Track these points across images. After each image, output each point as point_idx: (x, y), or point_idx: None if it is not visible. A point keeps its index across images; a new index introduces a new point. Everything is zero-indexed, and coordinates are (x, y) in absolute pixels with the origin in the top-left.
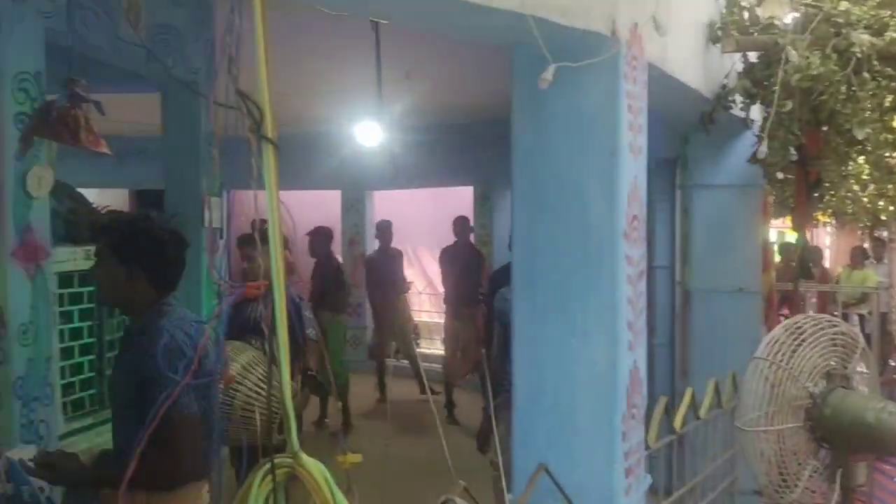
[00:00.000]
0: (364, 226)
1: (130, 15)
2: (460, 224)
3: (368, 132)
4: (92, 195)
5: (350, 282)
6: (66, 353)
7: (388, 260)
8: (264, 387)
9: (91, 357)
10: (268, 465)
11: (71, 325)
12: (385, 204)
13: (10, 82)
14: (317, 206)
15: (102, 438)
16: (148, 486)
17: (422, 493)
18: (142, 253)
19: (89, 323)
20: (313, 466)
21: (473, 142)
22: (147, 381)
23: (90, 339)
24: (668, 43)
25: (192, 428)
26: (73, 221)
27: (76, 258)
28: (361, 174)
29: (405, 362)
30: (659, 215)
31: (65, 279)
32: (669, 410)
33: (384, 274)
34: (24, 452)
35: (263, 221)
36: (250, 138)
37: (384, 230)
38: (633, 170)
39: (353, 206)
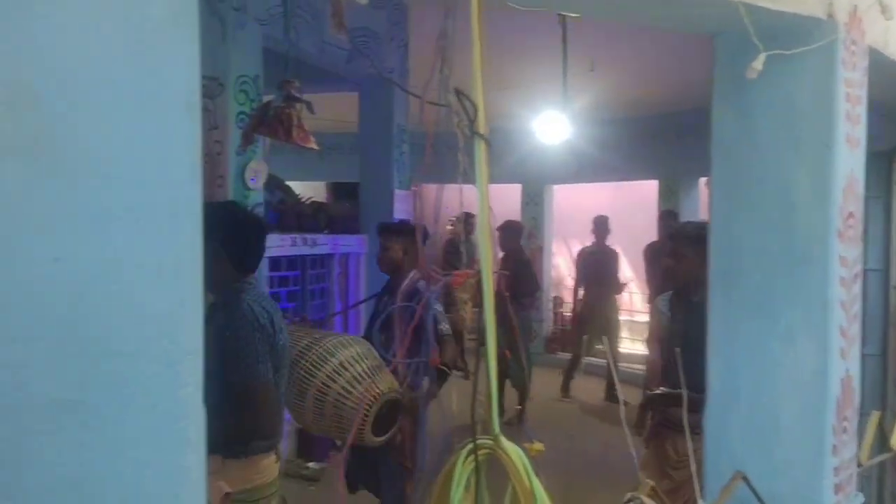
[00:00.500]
0: (543, 219)
1: (336, 19)
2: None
3: (551, 126)
4: (295, 187)
5: (537, 275)
6: None
7: (602, 256)
8: (356, 385)
9: None
10: (471, 445)
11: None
12: (564, 198)
13: (233, 85)
14: (497, 200)
15: None
16: (224, 452)
17: (602, 490)
18: (225, 237)
19: (294, 304)
20: (512, 450)
21: (658, 135)
22: (227, 351)
23: (295, 319)
24: (890, 26)
25: (268, 395)
26: (283, 211)
27: (284, 244)
28: (543, 168)
29: (596, 360)
30: (872, 213)
31: (274, 263)
32: (883, 426)
33: (598, 270)
34: None
35: (469, 215)
36: (459, 134)
37: (601, 225)
38: (849, 163)
39: (533, 200)
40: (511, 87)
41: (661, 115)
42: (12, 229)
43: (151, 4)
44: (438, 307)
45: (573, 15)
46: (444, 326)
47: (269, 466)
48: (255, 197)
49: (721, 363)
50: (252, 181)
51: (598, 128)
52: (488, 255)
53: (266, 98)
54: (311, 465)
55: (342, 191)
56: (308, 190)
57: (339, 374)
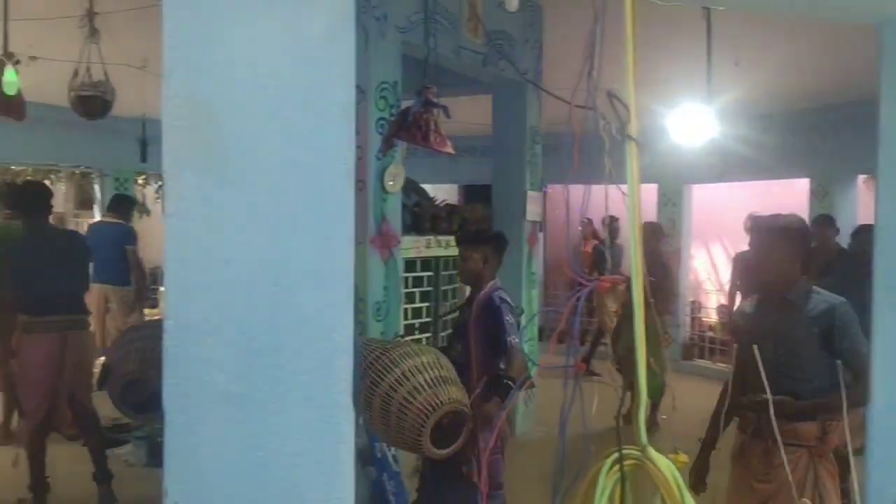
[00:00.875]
0: (681, 220)
1: (472, 24)
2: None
3: (692, 123)
4: (429, 190)
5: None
6: (409, 330)
7: None
8: (417, 395)
9: (428, 334)
10: (615, 455)
11: (413, 306)
12: (702, 198)
13: (374, 92)
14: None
15: None
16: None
17: None
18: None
19: (427, 304)
20: (662, 462)
21: (811, 130)
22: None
23: (428, 319)
24: None
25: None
26: (418, 214)
27: (419, 246)
28: (681, 167)
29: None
30: None
31: (409, 264)
32: None
33: None
34: None
35: (613, 218)
36: (605, 137)
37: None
38: None
39: (670, 201)
40: (649, 84)
41: (813, 109)
42: (191, 233)
43: (313, 22)
44: (510, 318)
45: (719, 8)
46: (513, 339)
47: None
48: (393, 200)
49: (889, 377)
50: (390, 185)
51: (743, 124)
52: (639, 260)
53: (405, 103)
54: None
55: (475, 193)
56: (441, 193)
57: (401, 384)
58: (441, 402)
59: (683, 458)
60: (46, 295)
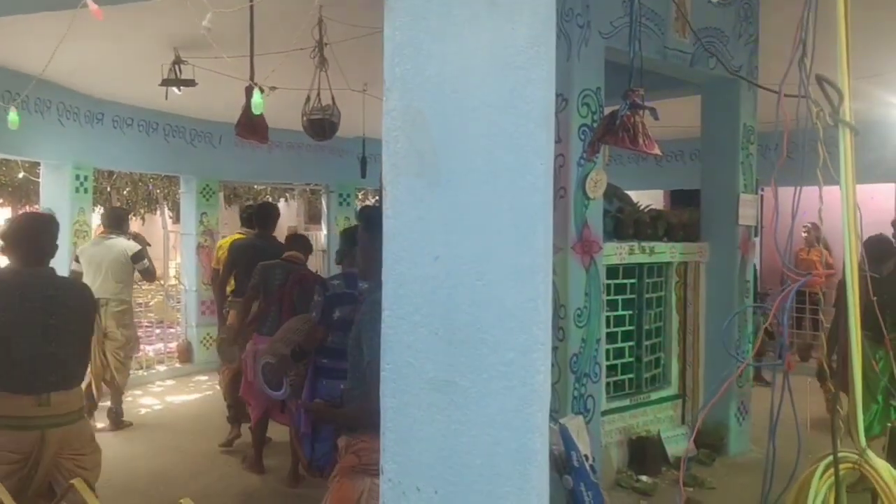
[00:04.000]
0: None
1: (679, 24)
2: None
3: None
4: (633, 196)
5: None
6: (611, 337)
7: None
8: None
9: (631, 343)
10: (830, 459)
11: (615, 313)
12: None
13: (576, 99)
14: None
15: (637, 420)
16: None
17: None
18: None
19: (630, 312)
20: (884, 468)
21: None
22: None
23: (630, 327)
24: None
25: None
26: (621, 219)
27: (621, 252)
28: None
29: None
30: None
31: (611, 271)
32: None
33: None
34: (574, 422)
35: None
36: (818, 126)
37: None
38: None
39: None
40: (882, 74)
41: None
42: (404, 233)
43: (516, 32)
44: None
45: None
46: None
47: None
48: (595, 206)
49: None
50: (592, 191)
51: None
52: (854, 258)
53: (608, 109)
54: (643, 478)
55: (681, 198)
56: (646, 198)
57: None
58: None
59: None
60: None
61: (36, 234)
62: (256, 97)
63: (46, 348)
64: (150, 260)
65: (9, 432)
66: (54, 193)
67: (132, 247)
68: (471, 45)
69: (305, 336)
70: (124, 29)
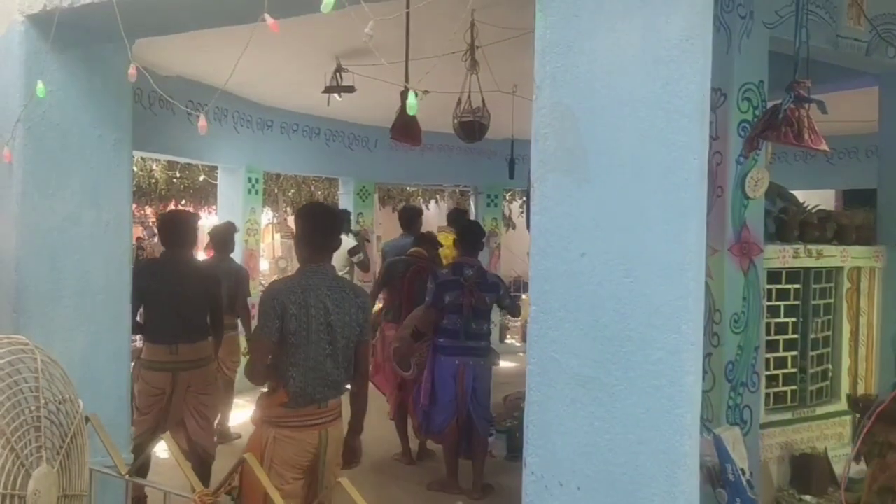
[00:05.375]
0: None
1: (853, 11)
2: None
3: None
4: (802, 195)
5: None
6: (771, 346)
7: None
8: None
9: (794, 353)
10: None
11: (777, 320)
12: None
13: (736, 93)
14: None
15: (800, 436)
16: None
17: None
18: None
19: (794, 319)
20: None
21: None
22: None
23: (794, 335)
24: None
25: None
26: (785, 221)
27: (785, 255)
28: None
29: None
30: None
31: (773, 275)
32: None
33: None
34: (730, 433)
35: None
36: None
37: None
38: None
39: None
40: None
41: None
42: (552, 229)
43: (670, 25)
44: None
45: None
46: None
47: None
48: (755, 206)
49: None
50: (752, 190)
51: None
52: None
53: (771, 104)
54: (806, 498)
55: (857, 198)
56: (815, 198)
57: None
58: None
59: None
60: None
61: (186, 228)
62: (411, 99)
63: (176, 311)
64: (365, 254)
65: (151, 373)
66: (230, 195)
67: (350, 242)
68: (622, 40)
69: (420, 318)
70: (293, 40)
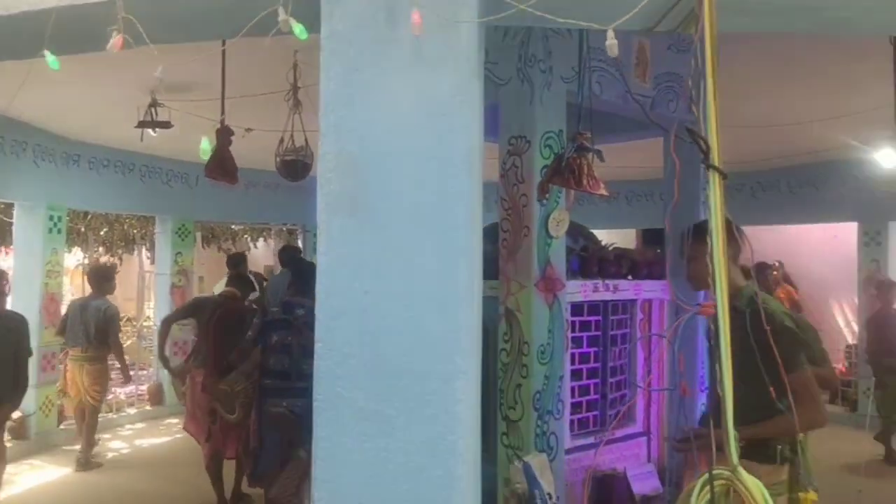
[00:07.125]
0: (887, 261)
1: (639, 69)
2: None
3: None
4: (605, 235)
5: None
6: (576, 374)
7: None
8: None
9: (596, 380)
10: (706, 476)
11: (580, 350)
12: None
13: (539, 141)
14: (826, 241)
15: (602, 458)
16: None
17: None
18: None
19: (595, 349)
20: (752, 483)
21: None
22: None
23: (595, 364)
24: None
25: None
26: (585, 258)
27: (586, 290)
28: (884, 204)
29: None
30: None
31: (576, 308)
32: None
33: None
34: (537, 460)
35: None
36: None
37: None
38: None
39: (874, 240)
40: (840, 116)
41: None
42: (337, 268)
43: (440, 84)
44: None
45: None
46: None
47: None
48: (557, 244)
49: None
50: (554, 229)
51: None
52: (724, 295)
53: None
54: None
55: (653, 238)
56: (617, 237)
57: None
58: None
59: (812, 496)
60: None
61: None
62: (204, 144)
63: None
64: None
65: None
66: (28, 234)
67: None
68: (399, 95)
69: (237, 353)
70: (100, 73)
